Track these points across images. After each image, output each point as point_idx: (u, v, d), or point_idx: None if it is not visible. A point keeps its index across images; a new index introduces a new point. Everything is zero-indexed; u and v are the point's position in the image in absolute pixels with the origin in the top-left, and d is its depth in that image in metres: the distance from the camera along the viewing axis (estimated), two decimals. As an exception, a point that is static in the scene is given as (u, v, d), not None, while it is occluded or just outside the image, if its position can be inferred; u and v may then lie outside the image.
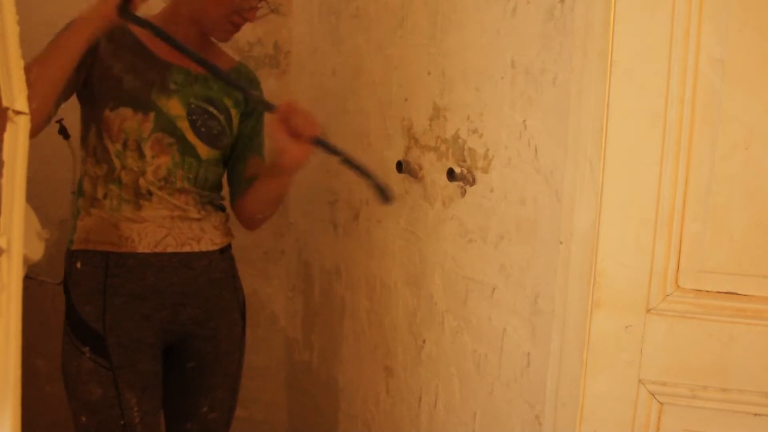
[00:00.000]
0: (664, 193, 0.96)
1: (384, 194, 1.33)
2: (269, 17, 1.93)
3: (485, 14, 1.22)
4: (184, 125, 1.36)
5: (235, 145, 1.47)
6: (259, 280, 2.16)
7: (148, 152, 1.33)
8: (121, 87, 1.31)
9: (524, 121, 1.14)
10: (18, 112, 0.66)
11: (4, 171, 0.65)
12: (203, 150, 1.38)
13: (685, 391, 0.99)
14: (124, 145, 1.32)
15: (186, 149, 1.36)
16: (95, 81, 1.30)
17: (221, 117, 1.41)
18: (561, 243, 1.04)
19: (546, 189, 1.10)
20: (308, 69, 1.96)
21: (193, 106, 1.37)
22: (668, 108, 0.95)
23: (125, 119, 1.31)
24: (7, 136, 0.66)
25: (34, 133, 1.20)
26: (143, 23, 1.24)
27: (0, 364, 0.65)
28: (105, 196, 1.34)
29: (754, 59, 0.92)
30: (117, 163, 1.32)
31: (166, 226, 1.36)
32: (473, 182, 1.27)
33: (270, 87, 2.00)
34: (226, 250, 1.49)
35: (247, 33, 1.94)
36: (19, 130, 0.66)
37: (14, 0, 0.66)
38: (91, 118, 1.34)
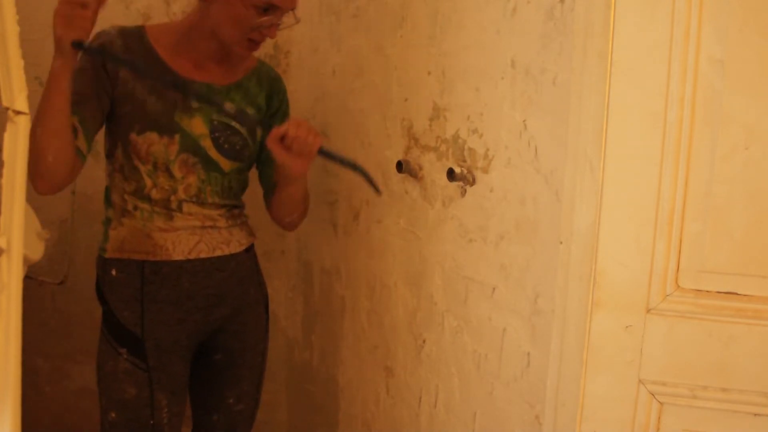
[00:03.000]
0: (664, 193, 0.96)
1: (375, 187, 1.40)
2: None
3: (485, 14, 1.22)
4: (207, 144, 1.37)
5: (262, 149, 1.47)
6: (259, 280, 2.15)
7: (177, 173, 1.35)
8: (144, 110, 1.32)
9: (524, 121, 1.14)
10: (18, 112, 0.66)
11: (4, 171, 0.65)
12: (225, 164, 1.40)
13: (685, 391, 0.99)
14: (155, 167, 1.34)
15: (210, 166, 1.38)
16: (118, 103, 1.32)
17: (243, 130, 1.41)
18: (561, 243, 1.04)
19: (546, 189, 1.10)
20: (308, 69, 1.96)
21: (215, 123, 1.38)
22: (668, 108, 0.95)
23: (152, 144, 1.33)
24: (7, 136, 0.66)
25: (65, 180, 1.26)
26: (99, 53, 1.27)
27: (0, 364, 0.65)
28: (135, 208, 1.37)
29: (754, 59, 0.92)
30: (149, 182, 1.35)
31: (197, 234, 1.39)
32: (473, 182, 1.27)
33: (270, 87, 2.00)
34: (250, 249, 1.52)
35: (247, 33, 1.94)
36: (19, 130, 0.66)
37: (14, 0, 0.66)
38: (117, 136, 1.35)
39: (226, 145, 1.39)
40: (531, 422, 1.15)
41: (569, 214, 1.02)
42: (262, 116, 1.47)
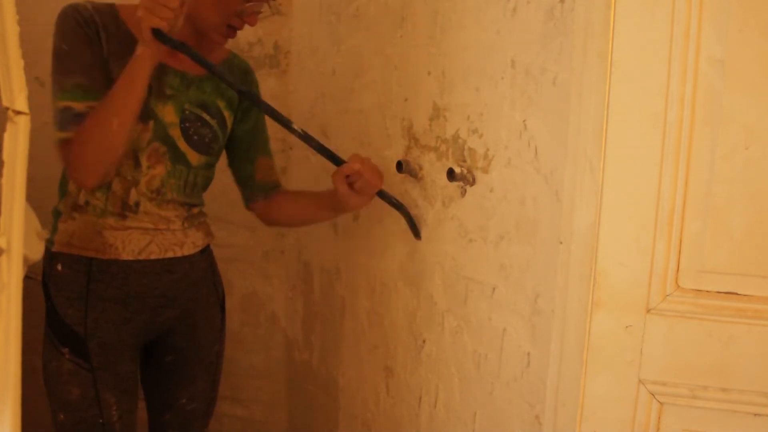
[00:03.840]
0: (664, 193, 0.96)
1: (416, 230, 1.43)
2: (270, 17, 1.93)
3: (485, 14, 1.22)
4: (176, 133, 1.34)
5: (238, 145, 1.46)
6: (259, 280, 2.16)
7: (144, 162, 1.31)
8: None
9: (524, 121, 1.14)
10: (18, 112, 0.66)
11: (4, 171, 0.65)
12: (193, 157, 1.37)
13: (685, 391, 0.99)
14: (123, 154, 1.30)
15: (177, 157, 1.35)
16: None
17: (214, 122, 1.39)
18: (561, 243, 1.04)
19: (546, 189, 1.10)
20: (308, 69, 1.96)
21: (187, 112, 1.35)
22: (668, 108, 0.95)
23: None
24: (7, 136, 0.66)
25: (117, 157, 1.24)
26: (179, 46, 1.22)
27: (0, 363, 0.65)
28: (87, 203, 1.32)
29: (754, 59, 0.92)
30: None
31: (149, 234, 1.35)
32: (473, 182, 1.27)
33: (270, 87, 2.00)
34: (206, 250, 1.49)
35: (247, 33, 1.94)
36: (19, 130, 0.66)
37: (14, 0, 0.66)
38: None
39: (195, 137, 1.36)
40: (531, 422, 1.15)
41: (569, 214, 1.02)
42: (233, 109, 1.44)
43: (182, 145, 1.35)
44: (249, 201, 1.52)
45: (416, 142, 1.46)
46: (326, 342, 1.94)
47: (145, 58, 1.18)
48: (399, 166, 1.46)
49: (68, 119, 1.23)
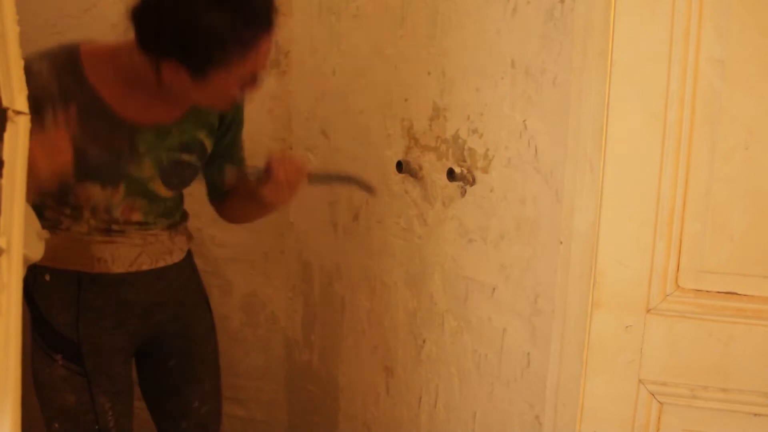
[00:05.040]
0: (664, 193, 0.96)
1: (369, 189, 1.45)
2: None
3: (485, 14, 1.22)
4: (156, 185, 1.28)
5: (213, 155, 1.39)
6: (259, 280, 2.15)
7: (118, 214, 1.28)
8: (85, 158, 1.15)
9: (524, 121, 1.14)
10: (18, 112, 0.66)
11: (4, 171, 0.65)
12: (170, 192, 1.33)
13: (685, 391, 0.99)
14: (93, 211, 1.26)
15: (155, 199, 1.31)
16: None
17: (193, 158, 1.32)
18: (561, 243, 1.04)
19: (546, 189, 1.10)
20: (308, 69, 1.96)
21: (165, 165, 1.27)
22: (668, 108, 0.95)
23: (93, 194, 1.23)
24: (7, 136, 0.66)
25: None
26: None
27: (0, 364, 0.65)
28: (68, 229, 1.28)
29: (754, 59, 0.92)
30: (86, 214, 1.26)
31: (138, 246, 1.32)
32: (473, 182, 1.27)
33: (270, 87, 2.00)
34: (188, 252, 1.48)
35: (247, 33, 1.94)
36: (19, 130, 0.66)
37: (14, 0, 0.66)
38: None
39: (175, 180, 1.31)
40: (531, 422, 1.15)
41: (569, 214, 1.02)
42: (213, 134, 1.36)
43: (163, 191, 1.31)
44: (212, 199, 1.49)
45: (416, 142, 1.46)
46: (326, 342, 1.94)
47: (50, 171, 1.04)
48: (399, 166, 1.46)
49: None
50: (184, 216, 1.46)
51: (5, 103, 0.65)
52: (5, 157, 0.65)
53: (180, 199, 1.41)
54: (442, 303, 1.39)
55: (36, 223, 1.63)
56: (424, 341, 1.46)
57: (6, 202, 0.65)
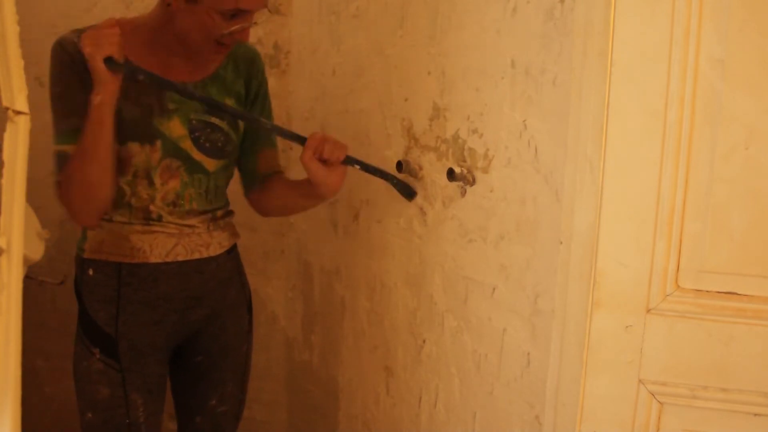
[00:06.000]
0: (664, 193, 0.96)
1: (409, 191, 1.43)
2: (270, 17, 1.93)
3: (485, 14, 1.22)
4: (188, 145, 1.35)
5: (244, 137, 1.45)
6: (259, 280, 2.16)
7: (157, 180, 1.34)
8: (121, 117, 1.26)
9: (524, 121, 1.14)
10: (18, 112, 0.66)
11: (4, 171, 0.65)
12: (210, 164, 1.38)
13: (685, 391, 0.99)
14: (134, 176, 1.32)
15: (193, 168, 1.36)
16: None
17: (224, 124, 1.38)
18: (561, 243, 1.04)
19: (546, 189, 1.10)
20: (308, 69, 1.96)
21: (194, 122, 1.35)
22: (668, 108, 0.95)
23: (134, 154, 1.30)
24: (7, 136, 0.66)
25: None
26: (136, 70, 1.23)
27: (0, 364, 0.65)
28: (111, 220, 1.35)
29: (754, 59, 0.92)
30: (127, 190, 1.33)
31: (174, 237, 1.38)
32: (473, 182, 1.27)
33: (270, 87, 2.00)
34: (232, 250, 1.51)
35: (247, 33, 1.94)
36: (19, 130, 0.66)
37: (14, 0, 0.66)
38: None
39: (207, 144, 1.36)
40: (531, 422, 1.15)
41: (569, 214, 1.02)
42: (242, 104, 1.43)
43: (196, 155, 1.36)
44: (248, 190, 1.52)
45: (416, 142, 1.46)
46: (326, 342, 1.94)
47: (104, 102, 1.18)
48: (399, 166, 1.46)
49: (62, 163, 1.25)
50: (227, 212, 1.49)
51: (5, 103, 0.65)
52: (5, 158, 0.65)
53: (219, 189, 1.44)
54: (442, 303, 1.39)
55: (36, 223, 1.63)
56: (424, 341, 1.46)
57: (6, 202, 0.65)
